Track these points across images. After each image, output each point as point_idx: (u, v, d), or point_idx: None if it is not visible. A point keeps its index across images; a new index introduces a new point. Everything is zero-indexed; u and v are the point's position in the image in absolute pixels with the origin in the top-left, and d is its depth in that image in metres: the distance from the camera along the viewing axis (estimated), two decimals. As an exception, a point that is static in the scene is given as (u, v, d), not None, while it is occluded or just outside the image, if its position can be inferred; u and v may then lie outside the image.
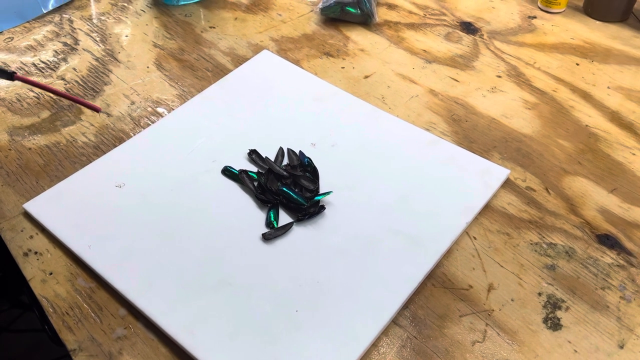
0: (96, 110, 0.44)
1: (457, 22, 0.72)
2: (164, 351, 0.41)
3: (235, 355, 0.40)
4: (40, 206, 0.50)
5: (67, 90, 0.63)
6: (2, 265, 1.07)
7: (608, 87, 0.63)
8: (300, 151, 0.54)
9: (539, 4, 0.74)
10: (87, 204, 0.50)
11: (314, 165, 0.52)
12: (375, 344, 0.42)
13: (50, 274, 0.46)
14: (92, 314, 0.43)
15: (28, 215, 0.50)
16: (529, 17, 0.73)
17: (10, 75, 0.43)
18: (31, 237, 0.48)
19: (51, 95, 0.62)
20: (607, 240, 0.48)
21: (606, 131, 0.58)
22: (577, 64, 0.66)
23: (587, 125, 0.58)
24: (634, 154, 0.55)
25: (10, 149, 0.56)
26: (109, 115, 0.59)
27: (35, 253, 0.47)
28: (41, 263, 0.46)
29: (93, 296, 0.44)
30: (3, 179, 0.53)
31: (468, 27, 0.71)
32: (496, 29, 0.71)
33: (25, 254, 0.47)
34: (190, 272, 0.45)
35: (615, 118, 0.59)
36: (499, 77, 0.64)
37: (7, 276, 1.08)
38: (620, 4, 0.70)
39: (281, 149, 0.54)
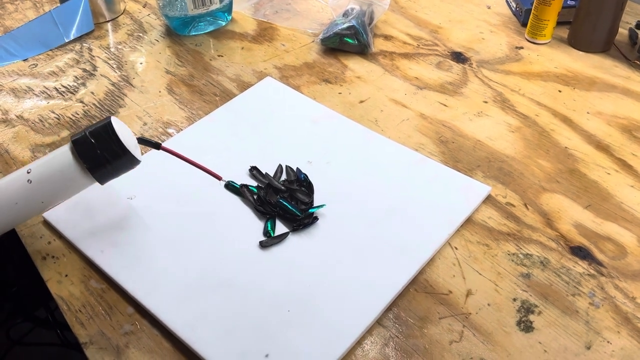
0: (218, 178, 0.53)
1: (448, 52, 0.77)
2: (167, 345, 0.45)
3: (231, 349, 0.44)
4: (58, 215, 0.54)
5: (85, 112, 0.68)
6: (17, 279, 1.12)
7: (588, 112, 0.67)
8: (297, 168, 0.58)
9: (525, 35, 0.79)
10: (100, 214, 0.54)
11: (310, 181, 0.57)
12: (359, 342, 0.45)
13: (66, 275, 0.50)
14: (103, 312, 0.47)
15: (47, 223, 0.54)
16: (516, 47, 0.78)
17: (157, 145, 0.50)
18: (49, 242, 0.53)
19: (71, 116, 0.67)
20: (579, 252, 0.52)
21: (584, 152, 0.62)
22: (560, 91, 0.70)
23: (566, 147, 0.63)
24: (608, 174, 0.59)
25: (32, 164, 0.61)
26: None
27: (53, 257, 0.52)
28: (58, 266, 0.51)
29: (104, 296, 0.49)
30: (25, 190, 0.58)
31: (458, 57, 0.76)
32: (485, 58, 0.76)
33: (44, 258, 0.52)
34: (192, 274, 0.49)
35: (593, 141, 0.63)
36: (485, 102, 0.69)
37: (22, 290, 1.12)
38: (602, 36, 0.75)
39: (280, 166, 0.59)
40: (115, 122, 0.48)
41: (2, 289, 1.15)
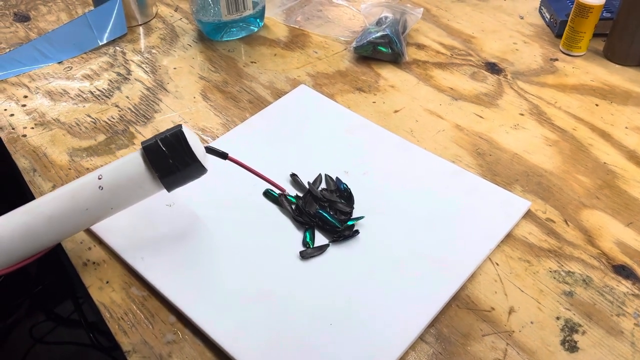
0: (282, 190, 0.53)
1: (482, 63, 0.77)
2: (209, 355, 0.45)
3: (274, 361, 0.44)
4: (98, 221, 0.54)
5: (120, 116, 0.68)
6: (42, 278, 1.13)
7: (626, 127, 0.66)
8: (337, 177, 0.58)
9: (560, 47, 0.79)
10: (140, 220, 0.55)
11: (350, 191, 0.56)
12: (403, 358, 0.45)
13: (107, 282, 0.50)
14: (145, 320, 0.47)
15: (87, 229, 0.54)
16: (551, 59, 0.77)
17: (224, 156, 0.50)
18: (89, 248, 0.53)
19: (107, 120, 0.68)
20: (622, 271, 0.51)
21: (623, 169, 0.61)
22: (597, 105, 0.70)
23: (605, 163, 0.62)
24: (649, 191, 0.59)
25: (70, 169, 0.61)
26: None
27: (93, 263, 0.52)
28: (98, 272, 0.51)
29: (145, 304, 0.49)
30: (64, 195, 0.58)
31: (493, 68, 0.76)
32: (519, 70, 0.75)
33: (85, 264, 0.52)
34: (233, 284, 0.49)
35: (633, 157, 0.63)
36: (522, 115, 0.68)
37: (47, 289, 1.13)
38: (639, 49, 0.74)
39: (320, 175, 0.59)
40: (186, 130, 0.48)
41: (24, 286, 1.16)
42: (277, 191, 0.57)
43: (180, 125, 0.48)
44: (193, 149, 0.47)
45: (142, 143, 0.48)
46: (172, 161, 0.47)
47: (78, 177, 0.60)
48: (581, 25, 0.75)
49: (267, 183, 0.55)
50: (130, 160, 0.48)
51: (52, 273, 1.14)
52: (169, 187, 0.48)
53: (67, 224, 0.47)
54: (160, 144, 0.47)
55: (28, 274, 1.16)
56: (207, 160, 0.50)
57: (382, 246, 0.52)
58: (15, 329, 1.16)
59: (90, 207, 0.47)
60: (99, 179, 0.47)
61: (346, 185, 0.57)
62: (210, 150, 0.51)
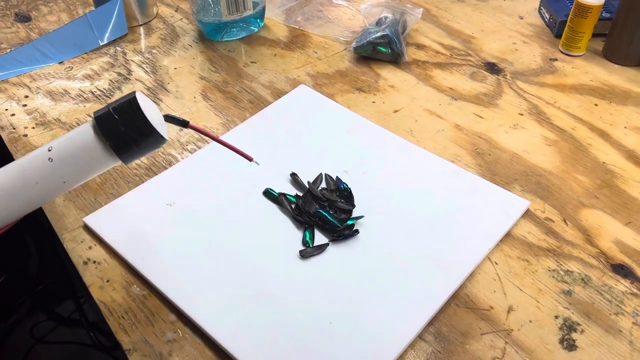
0: (249, 159, 0.51)
1: (482, 63, 0.77)
2: (209, 354, 0.45)
3: (273, 358, 0.44)
4: (98, 220, 0.55)
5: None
6: (43, 278, 1.13)
7: (625, 127, 0.66)
8: (337, 177, 0.58)
9: (560, 47, 0.79)
10: (140, 219, 0.55)
11: (350, 191, 0.57)
12: (402, 356, 0.45)
13: (107, 281, 0.51)
14: (145, 319, 0.48)
15: (87, 228, 0.55)
16: (550, 59, 0.77)
17: (185, 124, 0.49)
18: (90, 247, 0.53)
19: (107, 120, 0.68)
20: (621, 270, 0.51)
21: (622, 168, 0.61)
22: (596, 105, 0.70)
23: (604, 162, 0.62)
24: (648, 190, 0.59)
25: (71, 168, 0.62)
26: (159, 140, 0.65)
27: (94, 262, 0.52)
28: (99, 271, 0.51)
29: (146, 302, 0.49)
30: (65, 194, 0.58)
31: (492, 68, 0.76)
32: (519, 70, 0.76)
33: (85, 263, 0.52)
34: (233, 283, 0.49)
35: (632, 156, 0.63)
36: (521, 114, 0.68)
37: (48, 289, 1.13)
38: (638, 49, 0.74)
39: (321, 175, 0.59)
40: (141, 97, 0.44)
41: (25, 286, 1.16)
42: (277, 191, 0.57)
43: (134, 92, 0.45)
44: (148, 117, 0.44)
45: (95, 113, 0.45)
46: (124, 129, 0.43)
47: (79, 177, 0.61)
48: (580, 25, 0.75)
49: (266, 184, 0.55)
50: (81, 131, 0.45)
51: (52, 273, 1.15)
52: (124, 157, 0.45)
53: (17, 199, 0.44)
54: (111, 111, 0.43)
55: (29, 273, 1.16)
56: (166, 129, 0.46)
57: (382, 245, 0.53)
58: (16, 329, 1.16)
59: (41, 181, 0.44)
60: (49, 150, 0.44)
61: (346, 185, 0.57)
62: (169, 119, 0.47)
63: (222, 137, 0.64)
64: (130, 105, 0.43)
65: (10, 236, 1.13)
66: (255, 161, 0.51)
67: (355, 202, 0.56)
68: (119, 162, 0.46)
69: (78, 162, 0.44)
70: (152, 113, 0.45)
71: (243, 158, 0.50)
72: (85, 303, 1.12)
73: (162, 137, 0.45)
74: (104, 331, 1.10)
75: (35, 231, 1.14)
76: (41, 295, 1.16)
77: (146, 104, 0.45)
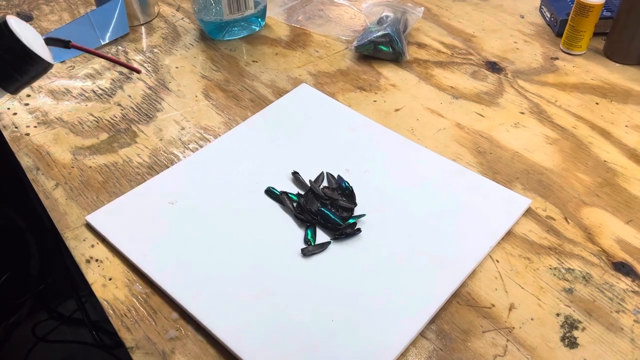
0: (137, 71, 0.49)
1: (483, 62, 0.77)
2: (212, 352, 0.45)
3: (276, 356, 0.44)
4: (100, 218, 0.55)
5: (123, 115, 0.69)
6: (45, 277, 1.13)
7: (626, 126, 0.67)
8: (339, 175, 0.59)
9: (561, 46, 0.79)
10: (142, 218, 0.55)
11: (352, 189, 0.57)
12: (404, 354, 0.45)
13: (110, 279, 0.51)
14: (148, 317, 0.48)
15: (90, 227, 0.55)
16: (551, 58, 0.77)
17: (66, 44, 0.47)
18: (92, 246, 0.53)
19: (109, 119, 0.68)
20: (622, 268, 0.51)
21: (623, 167, 0.61)
22: (597, 103, 0.70)
23: (605, 161, 0.62)
24: (649, 189, 0.59)
25: (73, 167, 0.62)
26: (161, 139, 0.65)
27: (97, 260, 0.52)
28: (102, 269, 0.51)
29: (148, 300, 0.49)
30: (67, 193, 0.59)
31: (493, 67, 0.76)
32: (520, 69, 0.76)
33: (88, 261, 0.52)
34: (235, 281, 0.50)
35: (633, 155, 0.63)
36: (522, 113, 0.68)
37: (50, 288, 1.13)
38: (639, 47, 0.75)
39: (322, 173, 0.59)
40: (15, 21, 0.43)
41: (26, 285, 1.16)
42: (279, 189, 0.57)
43: (4, 16, 0.43)
44: (25, 40, 0.42)
45: None
46: None
47: (81, 176, 0.61)
48: (581, 24, 0.75)
49: (268, 183, 0.55)
50: None
51: (54, 272, 1.15)
52: (5, 85, 0.43)
53: None
54: None
55: (30, 273, 1.16)
56: (49, 53, 0.45)
57: (383, 243, 0.53)
58: (18, 328, 1.16)
59: None
60: None
61: (348, 183, 0.57)
62: (51, 41, 0.46)
63: (224, 136, 0.64)
64: (0, 28, 0.42)
65: (11, 235, 1.13)
66: (139, 69, 0.50)
67: (357, 201, 0.56)
68: (5, 93, 0.44)
69: None
70: (30, 36, 0.43)
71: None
72: (87, 302, 1.12)
73: (42, 59, 0.44)
74: (106, 330, 1.11)
75: (37, 230, 1.14)
76: (43, 295, 1.16)
77: (22, 28, 0.43)
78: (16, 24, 0.43)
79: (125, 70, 0.76)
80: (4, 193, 1.10)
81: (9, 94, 0.46)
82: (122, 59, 0.78)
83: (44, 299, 1.17)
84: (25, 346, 1.14)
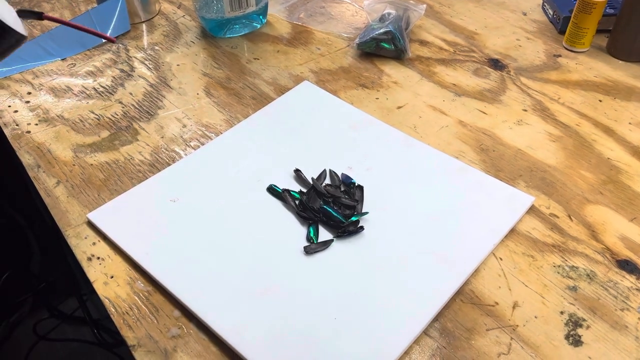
0: (112, 41, 0.49)
1: (485, 59, 0.77)
2: (214, 350, 0.45)
3: (278, 354, 0.44)
4: (102, 216, 0.55)
5: (124, 113, 0.68)
6: (46, 275, 1.13)
7: (629, 123, 0.66)
8: (342, 173, 0.58)
9: (563, 43, 0.78)
10: (144, 216, 0.55)
11: (358, 186, 0.57)
12: (407, 352, 0.45)
13: (112, 277, 0.50)
14: (150, 314, 0.48)
15: (91, 224, 0.55)
16: (554, 55, 0.77)
17: (39, 15, 0.47)
18: (94, 243, 0.53)
19: (110, 117, 0.68)
20: (626, 265, 0.51)
21: (627, 164, 0.61)
22: (600, 101, 0.69)
23: (608, 158, 0.62)
24: (653, 186, 0.59)
25: (74, 165, 0.62)
26: (162, 137, 0.65)
27: (98, 258, 0.52)
28: (103, 267, 0.51)
29: (150, 298, 0.49)
30: (68, 191, 0.58)
31: (496, 64, 0.76)
32: (522, 66, 0.75)
33: (89, 259, 0.52)
34: (237, 279, 0.49)
35: (637, 152, 0.62)
36: (525, 111, 0.68)
37: (51, 286, 1.13)
38: (642, 45, 0.74)
39: (324, 171, 0.59)
40: None
41: (27, 283, 1.16)
42: (281, 187, 0.57)
43: None
44: None
45: None
46: None
47: (82, 174, 0.60)
48: (584, 21, 0.75)
49: (270, 181, 0.55)
50: None
51: (55, 270, 1.15)
52: None
53: None
54: None
55: (31, 271, 1.16)
56: (22, 24, 0.44)
57: (386, 242, 0.52)
58: (19, 326, 1.16)
59: None
60: None
61: (354, 181, 0.57)
62: (23, 13, 0.46)
63: (226, 133, 0.64)
64: None
65: (12, 233, 1.13)
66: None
67: (359, 198, 0.56)
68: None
69: None
70: (3, 9, 0.43)
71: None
72: (88, 300, 1.12)
73: (15, 31, 0.43)
74: (107, 328, 1.11)
75: (38, 229, 1.14)
76: (44, 293, 1.16)
77: None
78: None
79: (126, 68, 0.76)
80: (5, 191, 1.09)
81: None
82: (124, 56, 0.78)
83: (44, 297, 1.17)
84: (26, 344, 1.14)
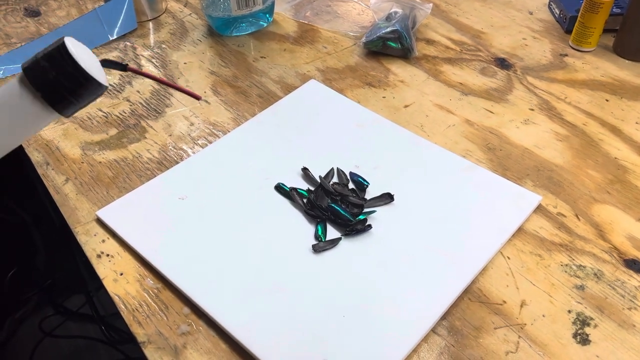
0: (197, 98, 0.48)
1: (492, 58, 0.77)
2: (223, 347, 0.46)
3: (288, 351, 0.44)
4: (111, 213, 0.55)
5: (132, 111, 0.69)
6: (51, 272, 1.14)
7: (636, 123, 0.66)
8: (350, 172, 0.59)
9: (570, 42, 0.79)
10: (153, 213, 0.55)
11: (367, 183, 0.57)
12: (416, 350, 0.45)
13: (121, 274, 0.51)
14: (159, 311, 0.48)
15: (100, 222, 0.55)
16: (561, 54, 0.77)
17: (123, 67, 0.46)
18: (103, 241, 0.54)
19: (118, 114, 0.68)
20: (634, 265, 0.51)
21: (634, 164, 0.61)
22: (607, 100, 0.70)
23: (615, 158, 0.62)
24: (660, 186, 0.59)
25: (82, 162, 0.62)
26: (170, 135, 0.65)
27: (107, 255, 0.52)
28: (113, 264, 0.52)
29: (159, 295, 0.49)
30: (77, 188, 0.59)
31: (502, 63, 0.76)
32: (529, 65, 0.75)
33: (99, 256, 0.52)
34: (246, 276, 0.50)
35: (643, 152, 0.63)
36: (532, 110, 0.68)
37: (56, 283, 1.14)
38: (649, 45, 0.74)
39: (332, 169, 0.59)
40: (72, 42, 0.42)
41: (33, 280, 1.17)
42: (289, 185, 0.57)
43: (62, 37, 0.41)
44: (82, 62, 0.41)
45: (22, 64, 0.41)
46: (55, 76, 0.40)
47: (91, 171, 0.61)
48: (591, 20, 0.75)
49: (278, 179, 0.55)
50: (9, 85, 0.41)
51: (61, 267, 1.15)
52: (59, 108, 0.42)
53: None
54: (39, 60, 0.40)
55: (37, 268, 1.17)
56: (104, 75, 0.44)
57: (394, 240, 0.53)
58: (24, 323, 1.17)
59: None
60: None
61: (362, 178, 0.57)
62: (107, 63, 0.45)
63: (233, 132, 0.64)
64: (59, 51, 0.41)
65: (18, 231, 1.14)
66: (199, 96, 0.49)
67: (367, 197, 0.56)
68: (57, 115, 0.43)
69: (7, 117, 0.41)
70: (87, 59, 0.42)
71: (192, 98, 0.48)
72: (94, 297, 1.12)
73: (99, 83, 0.42)
74: (113, 325, 1.11)
75: (43, 226, 1.15)
76: (49, 290, 1.16)
77: (79, 50, 0.42)
78: (73, 47, 0.41)
79: (133, 66, 0.76)
80: (10, 189, 1.10)
81: (63, 117, 0.44)
82: (130, 54, 0.78)
83: (50, 294, 1.18)
84: (32, 341, 1.14)
